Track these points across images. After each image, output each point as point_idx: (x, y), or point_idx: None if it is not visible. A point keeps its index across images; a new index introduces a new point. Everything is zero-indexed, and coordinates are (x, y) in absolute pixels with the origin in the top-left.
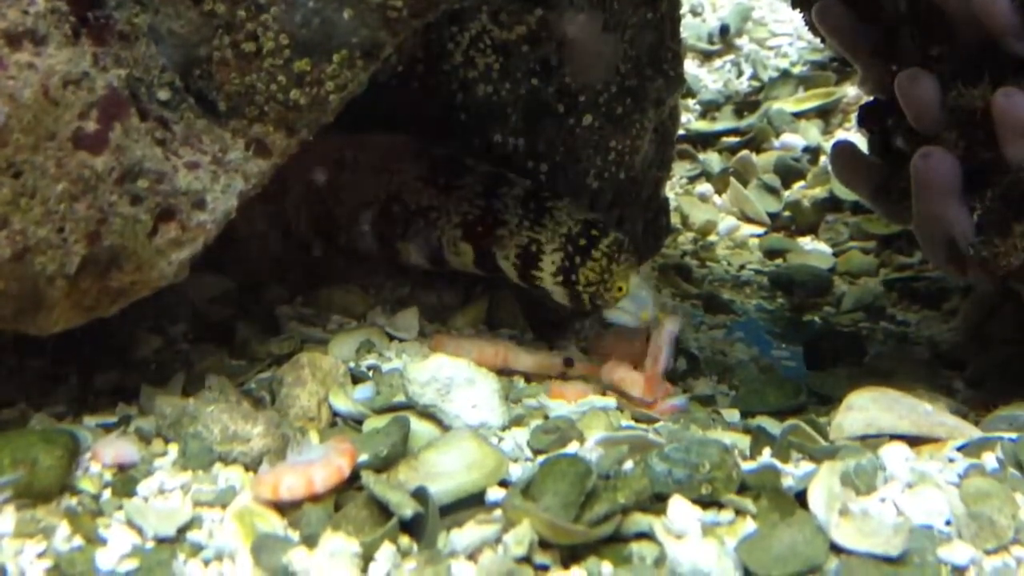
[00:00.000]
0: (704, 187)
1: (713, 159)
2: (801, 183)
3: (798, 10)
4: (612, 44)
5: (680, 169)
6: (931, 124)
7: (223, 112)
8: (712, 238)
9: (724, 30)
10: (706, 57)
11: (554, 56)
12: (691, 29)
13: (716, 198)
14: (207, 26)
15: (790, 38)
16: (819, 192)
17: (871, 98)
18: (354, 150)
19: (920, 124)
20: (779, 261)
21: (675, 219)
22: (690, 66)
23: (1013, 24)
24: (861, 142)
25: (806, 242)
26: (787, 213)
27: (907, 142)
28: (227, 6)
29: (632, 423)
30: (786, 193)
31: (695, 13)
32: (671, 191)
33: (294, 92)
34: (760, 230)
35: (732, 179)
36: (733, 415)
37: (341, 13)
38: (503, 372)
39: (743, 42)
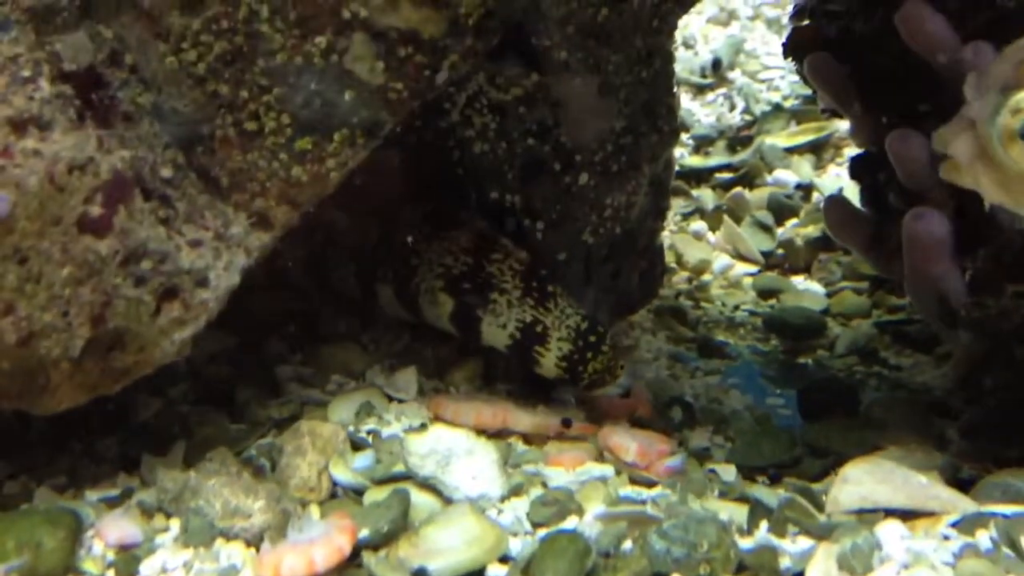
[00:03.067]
0: (698, 224)
1: (707, 195)
2: (794, 220)
3: (790, 60)
4: (607, 106)
5: (674, 206)
6: (922, 182)
7: (225, 187)
8: (707, 277)
9: (716, 64)
10: (699, 91)
11: (550, 117)
12: (683, 63)
13: (710, 235)
14: (210, 105)
15: (782, 71)
16: (812, 230)
17: (862, 150)
18: (351, 197)
19: (911, 182)
20: (772, 301)
21: (670, 257)
22: (683, 100)
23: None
24: (853, 187)
25: (799, 281)
26: (780, 251)
27: (899, 198)
28: (230, 87)
29: (630, 490)
30: (779, 231)
31: (687, 46)
32: (665, 229)
33: (296, 169)
34: (754, 268)
35: (725, 216)
36: (729, 471)
37: (342, 95)
38: (501, 432)
39: (735, 75)
